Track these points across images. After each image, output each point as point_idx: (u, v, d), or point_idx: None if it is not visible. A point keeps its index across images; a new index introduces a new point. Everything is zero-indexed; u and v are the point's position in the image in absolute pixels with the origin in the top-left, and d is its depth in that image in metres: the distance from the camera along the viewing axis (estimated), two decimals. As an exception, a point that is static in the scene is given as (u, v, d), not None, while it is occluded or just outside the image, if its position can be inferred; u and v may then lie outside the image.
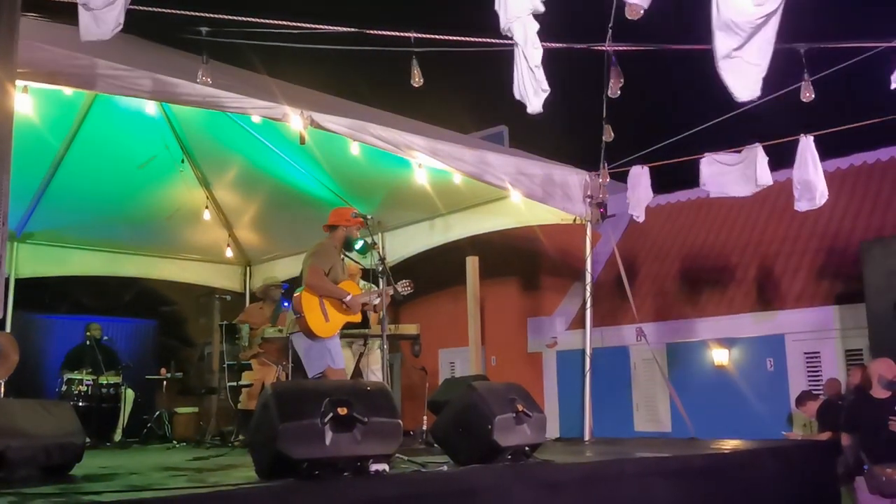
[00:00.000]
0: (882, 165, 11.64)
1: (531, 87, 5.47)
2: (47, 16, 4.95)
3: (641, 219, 8.42)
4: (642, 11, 5.10)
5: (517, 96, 5.55)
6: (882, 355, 7.22)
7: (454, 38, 5.83)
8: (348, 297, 6.29)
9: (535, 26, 5.33)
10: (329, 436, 3.61)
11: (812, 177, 7.23)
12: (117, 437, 9.18)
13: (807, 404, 8.75)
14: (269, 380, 8.27)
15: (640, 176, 8.30)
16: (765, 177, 7.47)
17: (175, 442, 8.70)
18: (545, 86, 5.48)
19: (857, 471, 6.62)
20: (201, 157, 9.48)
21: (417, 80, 5.75)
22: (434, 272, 11.75)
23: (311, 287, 6.21)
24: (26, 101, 5.38)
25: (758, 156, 7.48)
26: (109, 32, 4.70)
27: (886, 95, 5.95)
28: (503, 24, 5.30)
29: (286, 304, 8.80)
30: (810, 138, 7.24)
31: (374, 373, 7.67)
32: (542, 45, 5.45)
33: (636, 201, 8.31)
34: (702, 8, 5.11)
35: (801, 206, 7.40)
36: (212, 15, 5.25)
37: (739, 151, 7.66)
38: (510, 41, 5.42)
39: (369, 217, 6.55)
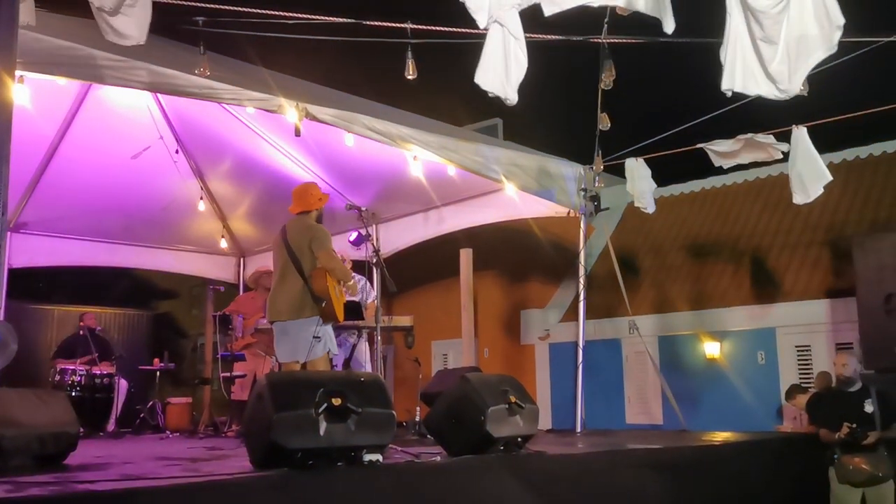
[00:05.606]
0: (874, 160, 11.68)
1: (512, 78, 5.18)
2: (46, 7, 4.94)
3: (650, 210, 8.40)
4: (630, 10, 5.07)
5: (489, 87, 5.18)
6: (871, 349, 7.27)
7: (450, 29, 5.80)
8: (353, 279, 6.22)
9: (518, 20, 5.08)
10: (323, 426, 3.64)
11: (807, 168, 7.18)
12: (110, 426, 9.20)
13: (796, 398, 8.81)
14: (261, 370, 8.30)
15: (636, 168, 8.30)
16: (777, 150, 7.44)
17: (168, 432, 8.72)
18: (521, 76, 5.19)
19: (829, 461, 6.69)
20: (195, 148, 9.47)
21: (412, 72, 5.72)
22: (427, 264, 11.76)
23: (332, 272, 5.93)
24: (22, 91, 5.37)
25: (757, 138, 7.46)
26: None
27: (878, 90, 5.97)
28: (489, 15, 4.97)
29: None
30: (803, 129, 7.21)
31: (366, 364, 7.69)
32: (540, 37, 5.40)
33: (640, 193, 8.30)
34: (699, 4, 5.12)
35: (797, 199, 7.31)
36: (208, 5, 5.24)
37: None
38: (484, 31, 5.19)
39: (363, 209, 6.55)
